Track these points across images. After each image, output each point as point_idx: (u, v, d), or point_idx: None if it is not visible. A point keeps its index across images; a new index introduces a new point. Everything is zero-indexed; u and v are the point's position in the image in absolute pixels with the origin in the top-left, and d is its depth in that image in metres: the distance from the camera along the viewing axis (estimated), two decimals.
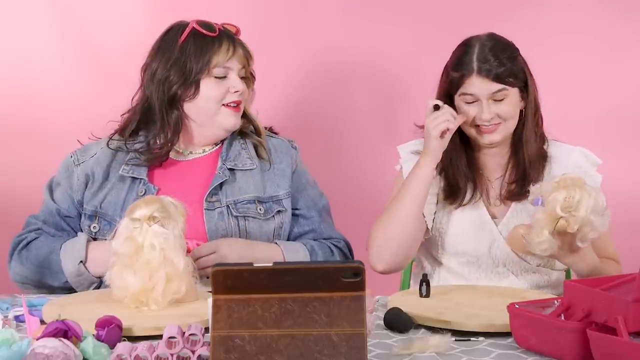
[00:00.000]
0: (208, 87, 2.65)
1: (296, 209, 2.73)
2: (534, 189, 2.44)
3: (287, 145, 2.78)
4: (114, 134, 2.73)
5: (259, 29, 3.27)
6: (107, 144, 2.71)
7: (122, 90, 2.75)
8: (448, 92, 2.62)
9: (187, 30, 2.66)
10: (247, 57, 2.70)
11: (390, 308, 2.19)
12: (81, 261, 2.56)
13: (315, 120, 3.30)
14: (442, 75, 2.65)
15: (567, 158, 2.66)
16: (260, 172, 2.71)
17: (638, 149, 3.32)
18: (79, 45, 3.29)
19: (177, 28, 2.69)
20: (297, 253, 2.64)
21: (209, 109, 2.66)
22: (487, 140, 2.61)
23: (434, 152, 2.56)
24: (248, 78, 2.73)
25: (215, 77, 2.65)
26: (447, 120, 2.54)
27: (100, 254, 2.54)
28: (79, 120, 3.04)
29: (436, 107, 2.56)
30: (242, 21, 3.14)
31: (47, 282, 2.61)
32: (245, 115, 2.75)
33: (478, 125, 2.60)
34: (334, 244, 2.72)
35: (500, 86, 2.57)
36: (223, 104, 2.66)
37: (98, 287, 2.58)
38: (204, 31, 2.66)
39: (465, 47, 2.62)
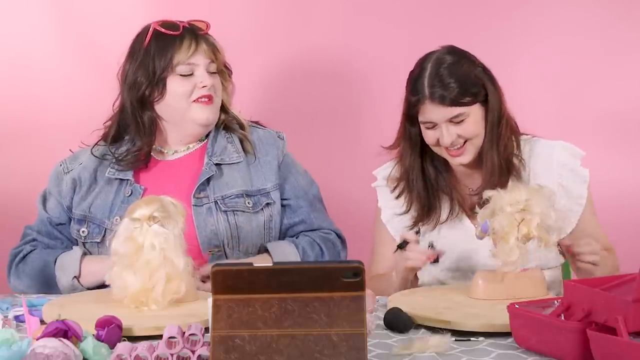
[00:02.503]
0: (174, 85, 2.63)
1: (285, 199, 2.72)
2: (479, 218, 2.35)
3: (274, 136, 2.76)
4: (99, 140, 2.74)
5: (259, 28, 3.27)
6: (92, 152, 2.71)
7: None
8: (410, 115, 2.55)
9: (150, 32, 2.66)
10: (214, 50, 2.67)
11: (390, 308, 2.19)
12: (75, 277, 2.58)
13: (308, 118, 3.30)
14: (405, 91, 2.56)
15: (549, 156, 2.58)
16: (247, 165, 2.70)
17: (639, 149, 3.32)
18: (79, 46, 3.28)
19: (144, 31, 2.69)
20: (286, 258, 2.62)
21: (178, 107, 2.64)
22: (456, 162, 2.55)
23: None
24: (222, 71, 2.71)
25: (181, 75, 2.63)
26: (415, 259, 2.42)
27: (95, 269, 2.56)
28: (79, 121, 3.04)
29: (401, 246, 2.43)
30: (241, 20, 3.15)
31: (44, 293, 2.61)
32: (227, 111, 2.73)
33: (446, 147, 2.52)
34: (323, 237, 2.71)
35: (457, 111, 2.47)
36: (193, 100, 2.64)
37: None
38: (165, 31, 2.65)
39: (419, 68, 2.52)
